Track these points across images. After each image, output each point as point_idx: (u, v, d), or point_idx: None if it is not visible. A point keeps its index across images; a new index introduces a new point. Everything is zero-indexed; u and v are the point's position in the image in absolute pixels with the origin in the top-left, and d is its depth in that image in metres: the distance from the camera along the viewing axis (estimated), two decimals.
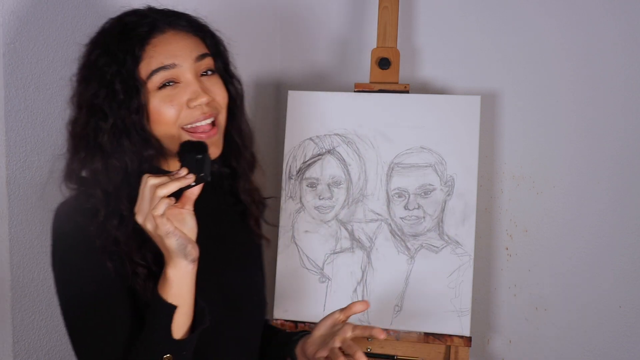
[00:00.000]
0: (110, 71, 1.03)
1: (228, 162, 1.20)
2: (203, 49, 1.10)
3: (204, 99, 1.05)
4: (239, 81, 1.19)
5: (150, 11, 1.11)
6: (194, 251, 0.98)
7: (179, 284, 0.97)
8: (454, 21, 1.75)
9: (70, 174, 1.06)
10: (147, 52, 1.05)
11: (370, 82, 1.66)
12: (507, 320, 1.74)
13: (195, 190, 0.99)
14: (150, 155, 1.05)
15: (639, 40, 1.58)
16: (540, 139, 1.69)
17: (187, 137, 1.06)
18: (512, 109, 1.71)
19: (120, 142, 1.03)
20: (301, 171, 1.63)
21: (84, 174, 1.05)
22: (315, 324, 1.17)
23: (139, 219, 0.96)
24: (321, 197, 1.62)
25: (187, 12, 1.15)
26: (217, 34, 1.17)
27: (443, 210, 1.57)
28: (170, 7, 1.14)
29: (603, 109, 1.62)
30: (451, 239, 1.56)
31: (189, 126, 1.06)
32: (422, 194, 1.58)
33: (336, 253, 1.60)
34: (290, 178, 1.64)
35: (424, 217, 1.58)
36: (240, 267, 1.22)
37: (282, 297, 1.61)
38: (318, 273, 1.60)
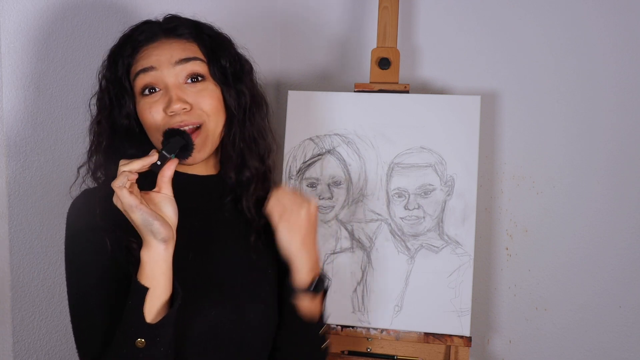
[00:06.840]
0: (106, 76, 1.11)
1: (226, 172, 1.18)
2: (188, 53, 1.09)
3: (177, 106, 1.06)
4: (246, 90, 1.15)
5: (156, 21, 1.14)
6: (162, 230, 0.95)
7: (152, 266, 0.96)
8: (454, 21, 1.75)
9: (92, 172, 1.12)
10: (136, 59, 1.10)
11: (370, 82, 1.66)
12: (507, 320, 1.74)
13: (166, 172, 0.99)
14: (132, 154, 1.08)
15: (639, 40, 1.58)
16: (540, 139, 1.69)
17: None
18: (512, 109, 1.71)
19: (114, 143, 1.10)
20: (301, 171, 1.63)
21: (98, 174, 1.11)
22: None
23: (113, 198, 0.97)
24: (321, 197, 1.62)
25: (188, 15, 1.16)
26: (222, 37, 1.16)
27: (443, 210, 1.57)
28: (173, 12, 1.15)
29: (603, 109, 1.63)
30: (451, 239, 1.56)
31: None
32: (422, 194, 1.58)
33: (336, 253, 1.60)
34: (290, 178, 1.63)
35: (424, 217, 1.58)
36: (243, 274, 1.17)
37: None
38: None
